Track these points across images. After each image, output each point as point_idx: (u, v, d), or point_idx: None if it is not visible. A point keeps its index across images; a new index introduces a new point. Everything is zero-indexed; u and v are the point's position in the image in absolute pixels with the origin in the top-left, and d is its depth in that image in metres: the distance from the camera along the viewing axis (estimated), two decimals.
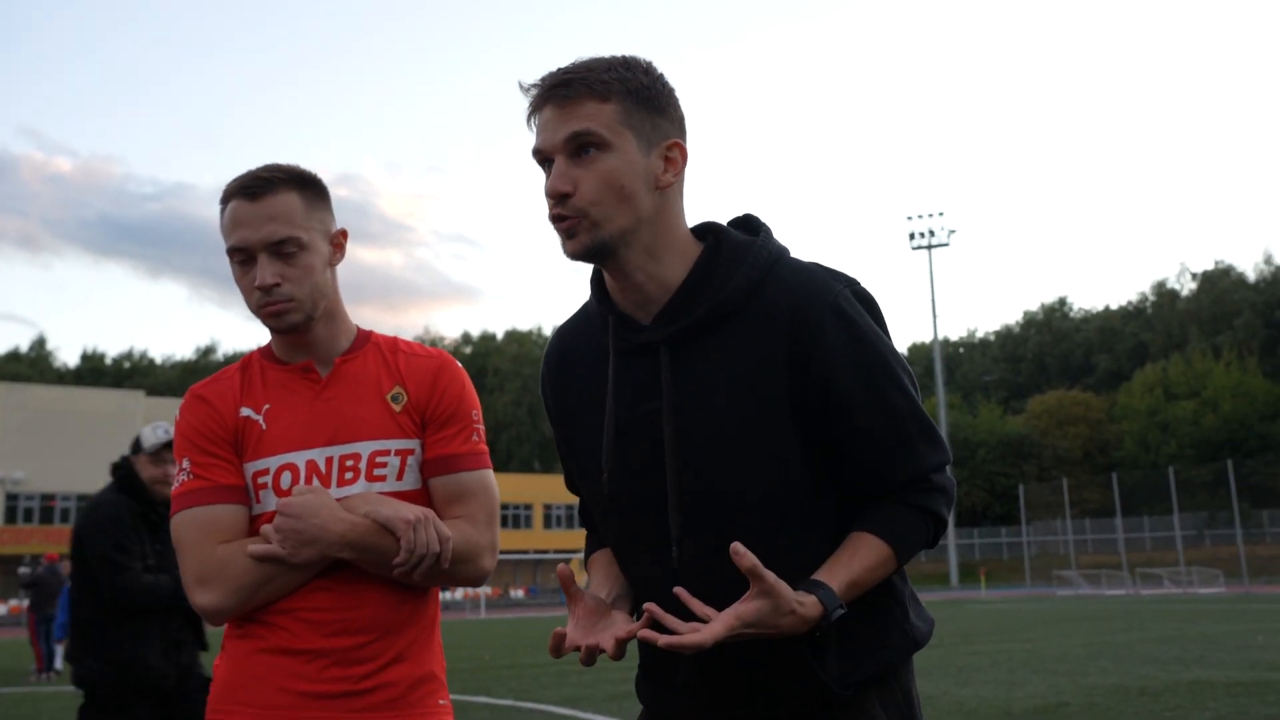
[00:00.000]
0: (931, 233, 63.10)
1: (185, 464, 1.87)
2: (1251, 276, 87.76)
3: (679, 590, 1.45)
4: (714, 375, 1.52)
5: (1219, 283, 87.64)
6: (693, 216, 1.63)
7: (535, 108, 1.53)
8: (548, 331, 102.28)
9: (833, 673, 1.53)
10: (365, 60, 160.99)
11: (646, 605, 1.45)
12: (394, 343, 2.03)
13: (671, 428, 1.53)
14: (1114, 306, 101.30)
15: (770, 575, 1.40)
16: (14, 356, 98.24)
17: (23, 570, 17.71)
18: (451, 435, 1.94)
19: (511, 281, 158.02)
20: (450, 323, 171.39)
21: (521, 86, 1.55)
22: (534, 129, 1.54)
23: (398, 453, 1.90)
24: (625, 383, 1.57)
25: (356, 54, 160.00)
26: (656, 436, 1.54)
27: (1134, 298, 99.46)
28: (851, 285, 1.56)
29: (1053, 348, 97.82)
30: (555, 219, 1.51)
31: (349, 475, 1.87)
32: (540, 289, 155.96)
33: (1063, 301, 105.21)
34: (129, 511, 4.08)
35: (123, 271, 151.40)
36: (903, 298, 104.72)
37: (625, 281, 1.56)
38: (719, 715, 1.60)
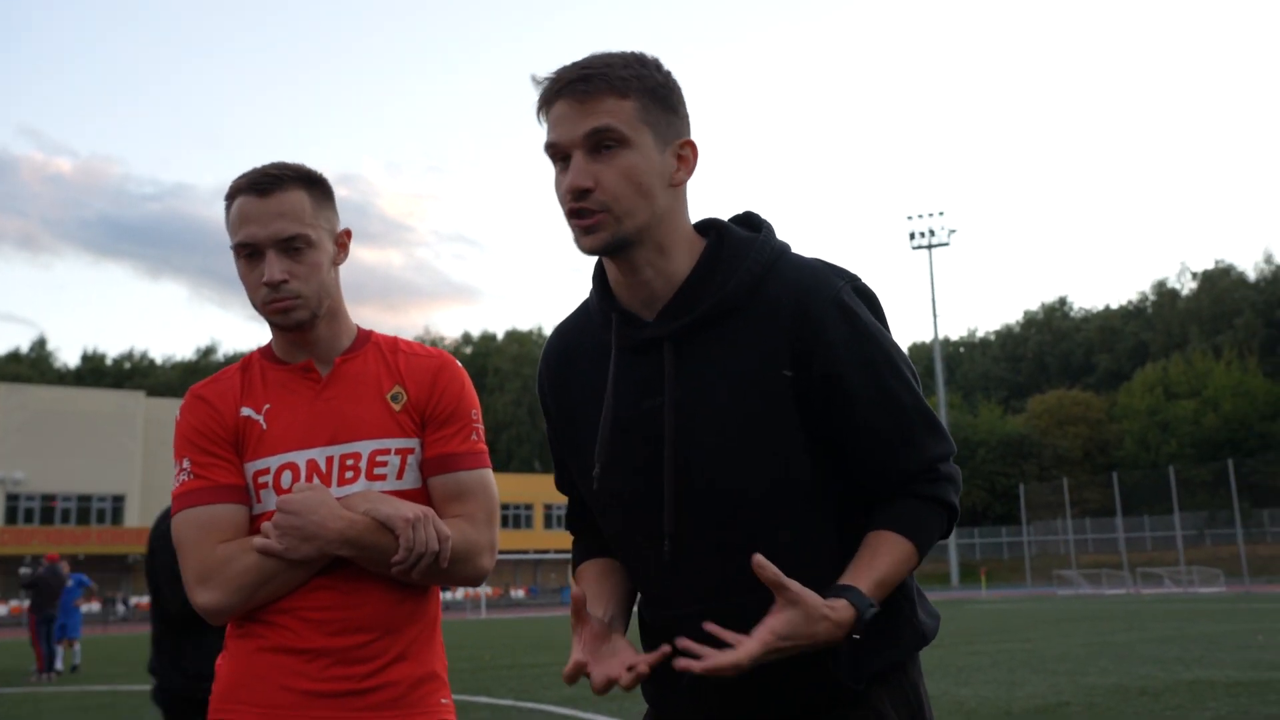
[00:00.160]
0: (932, 232, 63.08)
1: (185, 464, 1.88)
2: (1252, 276, 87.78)
3: (709, 626, 1.44)
4: (717, 371, 1.52)
5: (1219, 282, 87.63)
6: (694, 214, 1.64)
7: (548, 101, 1.51)
8: (548, 331, 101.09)
9: (845, 666, 1.52)
10: (365, 60, 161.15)
11: (680, 641, 1.46)
12: (394, 342, 2.03)
13: (672, 423, 1.53)
14: (1114, 306, 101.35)
15: (795, 584, 1.40)
16: (14, 357, 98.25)
17: (23, 571, 17.69)
18: (451, 435, 1.94)
19: (511, 281, 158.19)
20: (450, 323, 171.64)
21: (535, 80, 1.53)
22: (545, 123, 1.52)
23: (398, 452, 1.91)
24: (627, 379, 1.57)
25: (356, 54, 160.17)
26: (657, 433, 1.54)
27: (1134, 297, 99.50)
28: (853, 281, 1.57)
29: (1053, 347, 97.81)
30: (574, 214, 1.50)
31: (349, 474, 1.87)
32: (540, 289, 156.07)
33: (1063, 301, 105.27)
34: None
35: (123, 272, 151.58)
36: (903, 297, 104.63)
37: (633, 277, 1.56)
38: (728, 713, 1.59)
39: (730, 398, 1.51)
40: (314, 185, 1.92)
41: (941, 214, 63.32)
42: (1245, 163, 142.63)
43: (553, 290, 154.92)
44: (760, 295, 1.53)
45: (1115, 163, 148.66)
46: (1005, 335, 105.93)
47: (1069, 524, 61.98)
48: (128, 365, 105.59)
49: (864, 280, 1.59)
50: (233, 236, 1.88)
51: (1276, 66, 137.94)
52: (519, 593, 60.92)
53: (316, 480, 1.85)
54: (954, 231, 63.30)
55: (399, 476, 1.90)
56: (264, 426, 1.89)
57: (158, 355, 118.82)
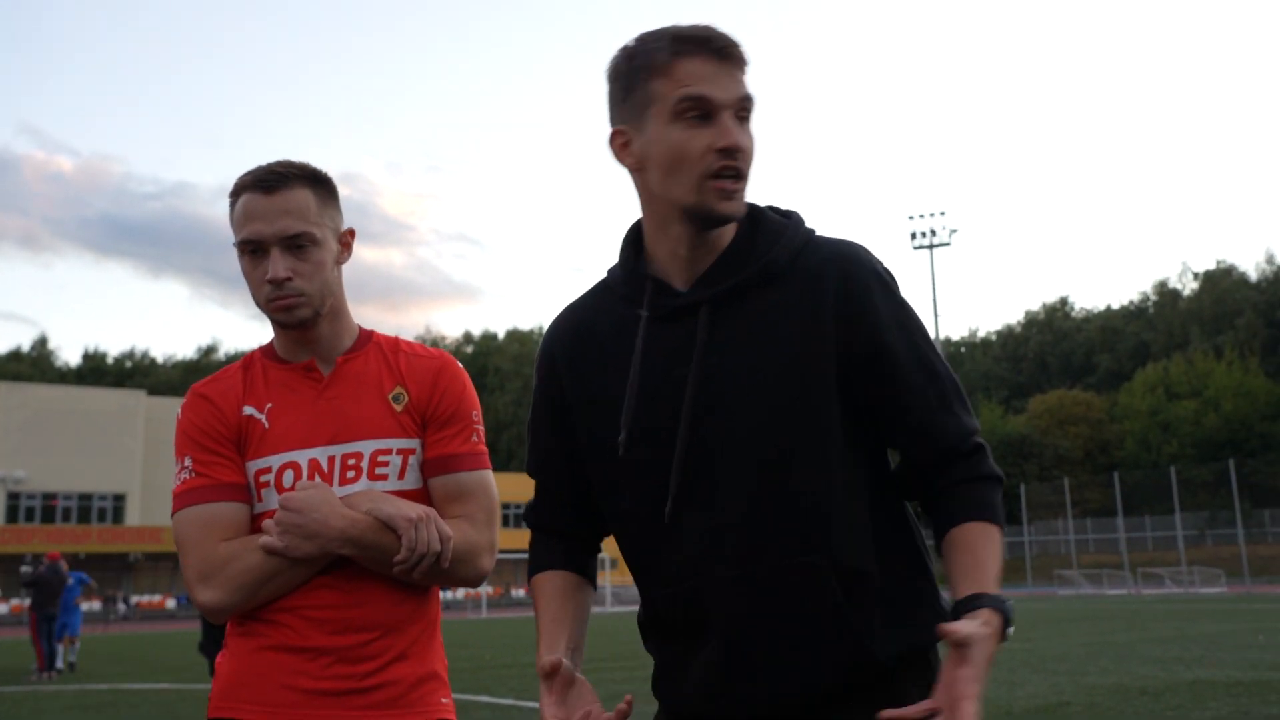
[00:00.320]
0: (933, 232, 63.02)
1: (187, 462, 1.88)
2: (1253, 276, 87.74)
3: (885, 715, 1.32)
4: (757, 336, 1.52)
5: (1220, 282, 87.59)
6: None
7: (689, 54, 1.50)
8: None
9: (875, 639, 1.50)
10: (366, 60, 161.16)
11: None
12: (395, 343, 2.03)
13: (696, 384, 1.51)
14: (1115, 306, 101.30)
15: (953, 630, 1.33)
16: (15, 356, 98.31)
17: (24, 569, 17.68)
18: (451, 435, 1.94)
19: (512, 281, 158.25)
20: (451, 322, 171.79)
21: (676, 34, 1.51)
22: (684, 76, 1.49)
23: (399, 452, 1.91)
24: (657, 347, 1.56)
25: (357, 54, 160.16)
26: (680, 397, 1.53)
27: (1135, 297, 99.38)
28: (879, 260, 1.62)
29: (1054, 347, 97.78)
30: (732, 174, 1.49)
31: (351, 474, 1.87)
32: (541, 288, 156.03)
33: (1064, 301, 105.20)
34: None
35: (124, 271, 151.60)
36: (911, 297, 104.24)
37: (691, 247, 1.56)
38: (751, 699, 1.51)
39: (769, 362, 1.51)
40: (319, 184, 1.92)
41: (943, 214, 63.24)
42: (1247, 163, 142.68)
43: (554, 290, 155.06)
44: (800, 265, 1.55)
45: (1117, 163, 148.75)
46: (1006, 335, 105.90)
47: (1070, 524, 61.98)
48: (129, 364, 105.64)
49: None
50: (237, 233, 1.88)
51: (1277, 68, 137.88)
52: (520, 592, 60.89)
53: (318, 479, 1.85)
54: (955, 231, 63.18)
55: (400, 476, 1.90)
56: (266, 425, 1.89)
57: (159, 354, 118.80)
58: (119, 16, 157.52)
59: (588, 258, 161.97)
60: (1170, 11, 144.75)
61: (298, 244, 1.86)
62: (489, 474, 1.99)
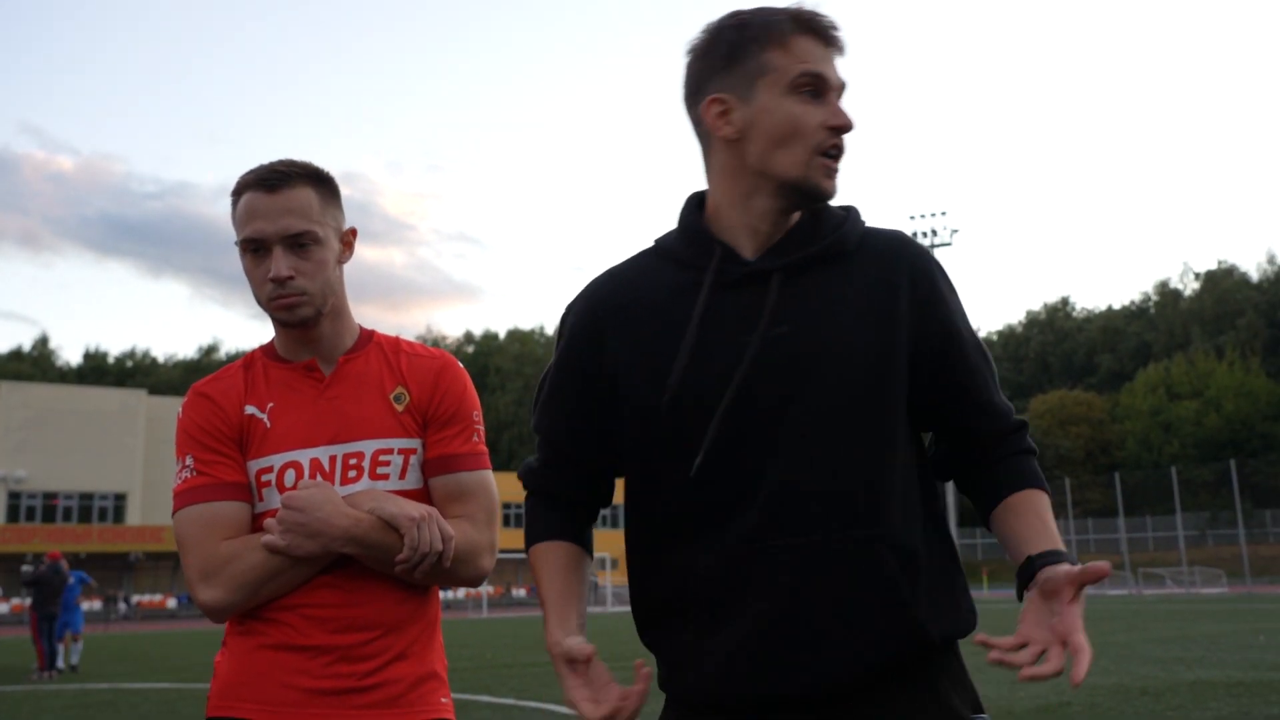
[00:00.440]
0: (934, 232, 63.02)
1: (188, 461, 1.88)
2: (1255, 276, 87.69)
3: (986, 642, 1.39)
4: (829, 310, 1.53)
5: (1222, 282, 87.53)
6: None
7: (806, 33, 1.52)
8: (550, 330, 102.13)
9: (928, 619, 1.49)
10: (367, 59, 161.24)
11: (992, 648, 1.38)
12: (396, 343, 2.03)
13: (759, 347, 1.49)
14: (1116, 306, 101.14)
15: (1067, 572, 1.39)
16: (16, 355, 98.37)
17: (25, 569, 17.68)
18: (452, 435, 1.95)
19: (513, 281, 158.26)
20: (452, 322, 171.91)
21: (795, 12, 1.53)
22: (802, 53, 1.52)
23: (400, 451, 1.91)
24: (719, 312, 1.53)
25: (358, 53, 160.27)
26: (739, 361, 1.51)
27: (1137, 297, 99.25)
28: None
29: (1055, 347, 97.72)
30: (836, 154, 1.54)
31: (352, 474, 1.88)
32: (542, 288, 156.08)
33: (1065, 301, 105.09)
34: None
35: (125, 270, 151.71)
36: None
37: (771, 222, 1.56)
38: (795, 667, 1.46)
39: (842, 336, 1.51)
40: (322, 183, 1.93)
41: (944, 214, 63.24)
42: (1248, 163, 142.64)
43: (554, 289, 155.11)
44: (865, 248, 1.58)
45: (1118, 163, 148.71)
46: (1007, 335, 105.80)
47: (1071, 524, 61.99)
48: (129, 364, 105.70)
49: None
50: (239, 232, 1.88)
51: (1278, 67, 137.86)
52: (521, 592, 60.90)
53: (320, 478, 1.85)
54: (956, 231, 63.21)
55: (401, 476, 1.90)
56: (268, 425, 1.89)
57: (159, 354, 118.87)
58: (120, 15, 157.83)
59: (588, 257, 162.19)
60: (1172, 11, 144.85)
61: (300, 243, 1.86)
62: (489, 474, 1.99)
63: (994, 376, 1.64)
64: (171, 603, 51.93)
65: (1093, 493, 66.53)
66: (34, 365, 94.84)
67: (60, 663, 16.44)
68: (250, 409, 1.91)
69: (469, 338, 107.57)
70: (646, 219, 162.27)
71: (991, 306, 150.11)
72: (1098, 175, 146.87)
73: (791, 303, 1.52)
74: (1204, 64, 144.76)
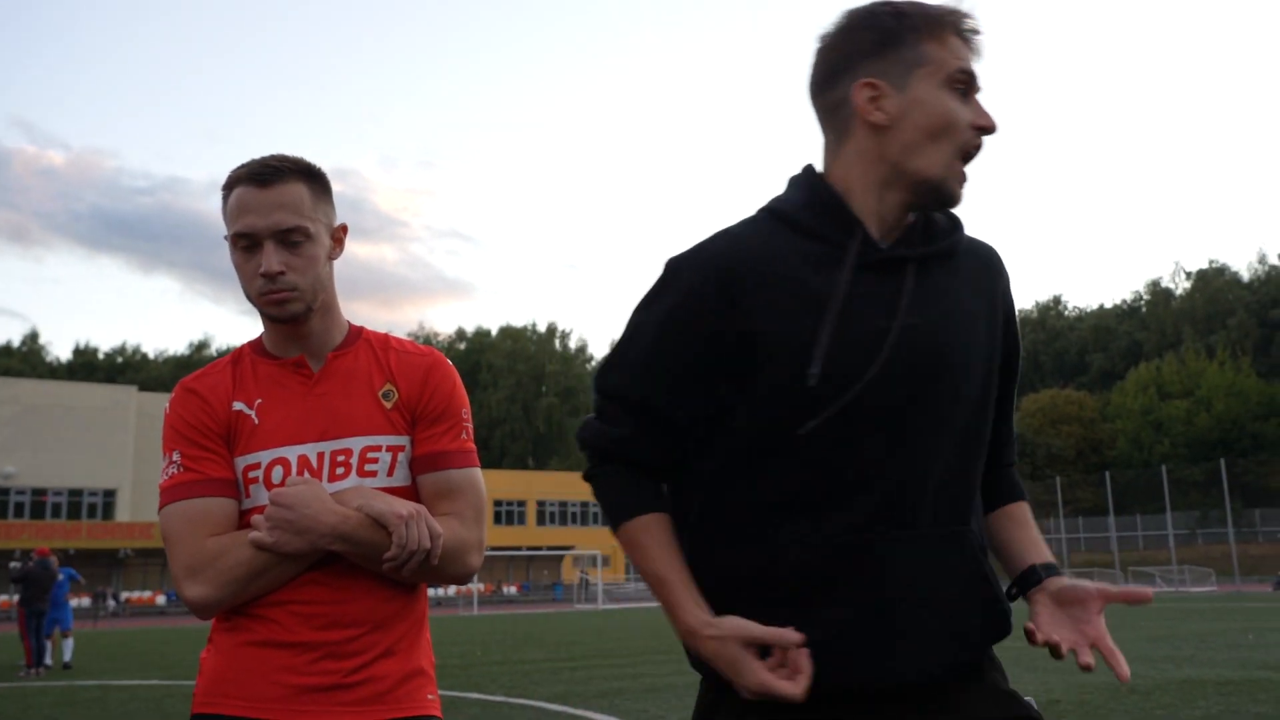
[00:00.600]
0: None
1: (175, 456, 1.87)
2: (1245, 276, 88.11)
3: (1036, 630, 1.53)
4: (951, 306, 1.55)
5: (1213, 282, 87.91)
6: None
7: (959, 33, 1.55)
8: (542, 328, 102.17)
9: (1008, 608, 1.59)
10: (361, 55, 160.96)
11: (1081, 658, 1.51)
12: (385, 339, 2.03)
13: (898, 334, 1.49)
14: (1108, 305, 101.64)
15: (1085, 588, 1.56)
16: (6, 350, 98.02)
17: (13, 565, 17.62)
18: (441, 433, 1.94)
19: (506, 278, 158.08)
20: (444, 319, 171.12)
21: (952, 10, 1.55)
22: (956, 50, 1.53)
23: (389, 449, 1.91)
24: (858, 293, 1.50)
25: (352, 49, 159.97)
26: (879, 346, 1.49)
27: (1128, 296, 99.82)
28: None
29: (1047, 346, 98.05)
30: (972, 159, 1.55)
31: (340, 470, 1.87)
32: (535, 285, 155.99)
33: (1057, 300, 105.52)
34: None
35: (115, 266, 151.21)
36: None
37: (898, 215, 1.57)
38: (897, 656, 1.47)
39: (962, 333, 1.55)
40: (313, 179, 1.92)
41: None
42: (1240, 162, 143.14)
43: (547, 287, 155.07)
44: (970, 252, 1.64)
45: (1110, 162, 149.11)
46: None
47: (1061, 523, 62.23)
48: (120, 359, 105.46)
49: None
50: (230, 226, 1.88)
51: (1270, 68, 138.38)
52: (511, 589, 60.85)
53: (309, 475, 1.85)
54: None
55: (390, 473, 1.90)
56: (256, 421, 1.89)
57: (150, 350, 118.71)
58: (112, 10, 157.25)
59: (581, 255, 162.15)
60: (1164, 12, 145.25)
61: (291, 238, 1.86)
62: (478, 472, 1.99)
63: None
64: (161, 599, 51.81)
65: (1083, 491, 66.75)
66: (23, 361, 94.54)
67: (49, 659, 16.39)
68: (238, 405, 1.90)
69: (461, 335, 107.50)
70: (639, 217, 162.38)
71: None
72: (1090, 174, 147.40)
73: (920, 295, 1.52)
74: (1197, 64, 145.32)
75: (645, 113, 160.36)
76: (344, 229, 2.00)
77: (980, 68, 1.55)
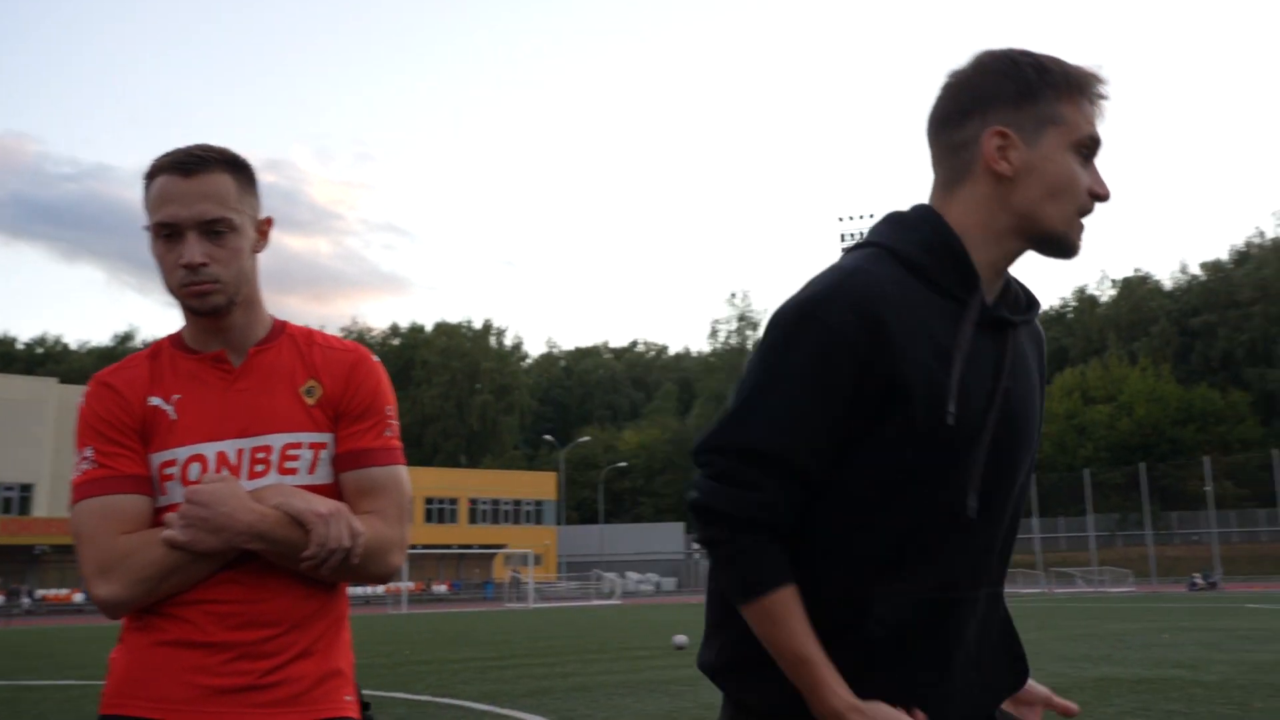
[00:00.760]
0: (862, 234, 63.73)
1: (88, 452, 1.83)
2: (1168, 285, 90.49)
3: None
4: (1025, 373, 1.60)
5: (1137, 290, 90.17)
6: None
7: (1094, 98, 1.57)
8: (478, 324, 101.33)
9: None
10: (298, 44, 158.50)
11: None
12: (309, 334, 2.00)
13: (1004, 398, 1.53)
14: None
15: (1038, 693, 1.70)
16: None
17: None
18: (364, 430, 1.92)
19: (442, 273, 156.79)
20: (378, 314, 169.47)
21: (1093, 76, 1.56)
22: (1089, 116, 1.55)
23: (311, 446, 1.88)
24: (976, 351, 1.50)
25: (288, 37, 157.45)
26: (990, 405, 1.51)
27: (1056, 303, 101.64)
28: None
29: None
30: (1085, 217, 1.56)
31: (260, 467, 1.84)
32: (471, 282, 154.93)
33: None
34: None
35: (37, 254, 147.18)
36: None
37: (1008, 264, 1.59)
38: (955, 708, 1.53)
39: (1032, 402, 1.61)
40: (239, 169, 1.89)
41: (871, 216, 64.11)
42: (1165, 174, 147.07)
43: (484, 283, 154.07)
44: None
45: None
46: None
47: None
48: (40, 350, 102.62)
49: None
50: (151, 215, 1.84)
51: (1195, 82, 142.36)
52: (441, 588, 60.39)
53: (226, 472, 1.82)
54: None
55: (311, 471, 1.87)
56: (173, 417, 1.85)
57: (72, 341, 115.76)
58: None
59: (519, 252, 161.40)
60: (1089, 22, 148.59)
61: (215, 229, 1.83)
62: (402, 469, 1.97)
63: None
64: (79, 597, 50.52)
65: None
66: None
67: None
68: (155, 400, 1.87)
69: (395, 330, 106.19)
70: (578, 215, 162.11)
71: None
72: None
73: (1014, 360, 1.57)
74: (1122, 77, 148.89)
75: (585, 110, 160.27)
76: (269, 222, 1.97)
77: (1103, 132, 1.57)
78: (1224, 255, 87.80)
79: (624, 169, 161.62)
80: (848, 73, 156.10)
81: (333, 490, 1.89)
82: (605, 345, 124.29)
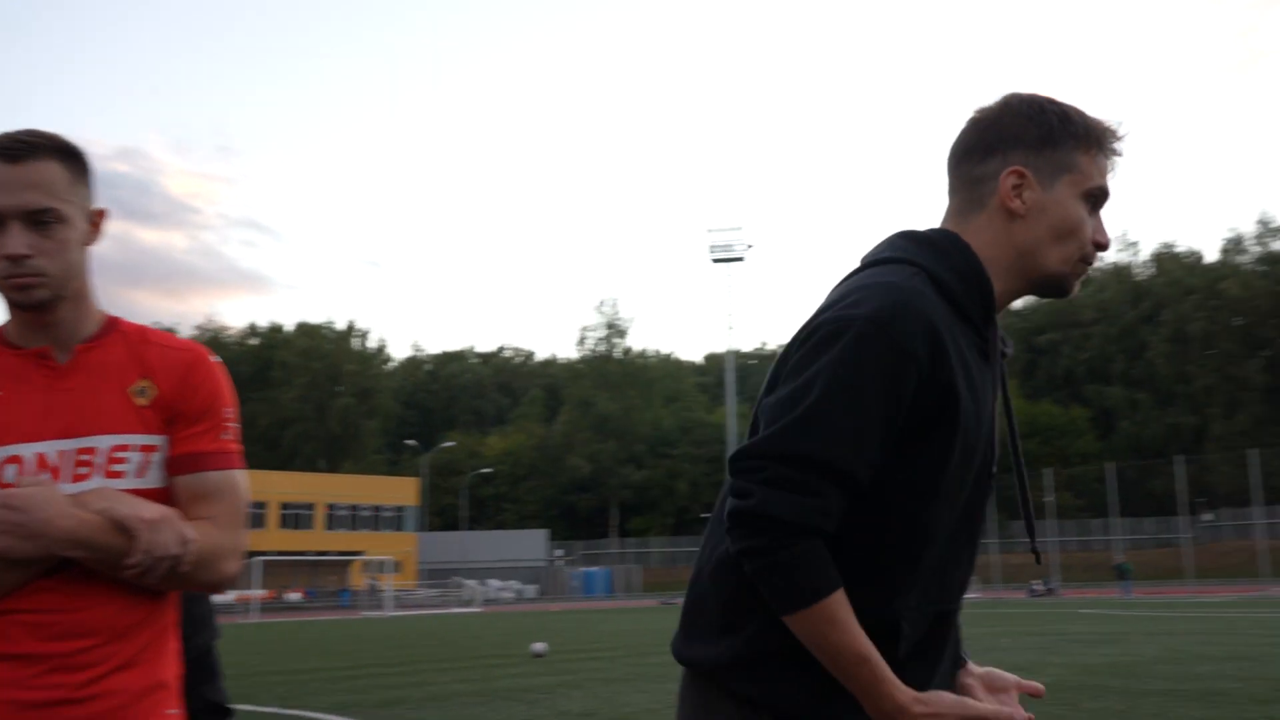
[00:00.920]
0: (730, 246, 64.85)
1: None
2: (1017, 304, 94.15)
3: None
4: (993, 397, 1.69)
5: None
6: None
7: (1111, 154, 1.65)
8: (340, 325, 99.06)
9: None
10: (155, 26, 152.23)
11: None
12: (143, 332, 1.93)
13: (996, 422, 1.66)
14: None
15: (1007, 679, 1.76)
16: None
17: None
18: (200, 433, 1.87)
19: (305, 273, 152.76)
20: (236, 312, 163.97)
21: (1112, 131, 1.64)
22: (1103, 168, 1.64)
23: (141, 449, 1.82)
24: (986, 378, 1.64)
25: (145, 19, 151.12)
26: (990, 431, 1.65)
27: None
28: None
29: None
30: (1088, 264, 1.66)
31: (84, 470, 1.77)
32: (335, 282, 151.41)
33: None
34: None
35: None
36: (703, 310, 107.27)
37: (1009, 299, 1.69)
38: None
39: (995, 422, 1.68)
40: (71, 158, 1.82)
41: (738, 229, 65.25)
42: None
43: (348, 283, 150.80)
44: None
45: (906, 188, 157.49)
46: None
47: None
48: None
49: None
50: None
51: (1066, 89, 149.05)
52: (296, 595, 58.73)
53: (46, 475, 1.74)
54: (750, 246, 65.35)
55: (140, 475, 1.81)
56: None
57: None
58: None
59: (384, 253, 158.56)
60: (956, 31, 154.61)
61: (41, 220, 1.75)
62: (239, 474, 1.92)
63: None
64: None
65: None
66: None
67: None
68: None
69: (253, 330, 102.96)
70: (445, 217, 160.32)
71: (783, 322, 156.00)
72: (888, 195, 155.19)
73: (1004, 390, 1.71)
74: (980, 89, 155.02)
75: (456, 111, 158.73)
76: (102, 214, 1.90)
77: (1113, 184, 1.67)
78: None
79: (495, 172, 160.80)
80: (721, 85, 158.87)
81: (165, 495, 1.83)
82: (472, 350, 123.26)
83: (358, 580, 62.08)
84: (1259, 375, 76.33)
